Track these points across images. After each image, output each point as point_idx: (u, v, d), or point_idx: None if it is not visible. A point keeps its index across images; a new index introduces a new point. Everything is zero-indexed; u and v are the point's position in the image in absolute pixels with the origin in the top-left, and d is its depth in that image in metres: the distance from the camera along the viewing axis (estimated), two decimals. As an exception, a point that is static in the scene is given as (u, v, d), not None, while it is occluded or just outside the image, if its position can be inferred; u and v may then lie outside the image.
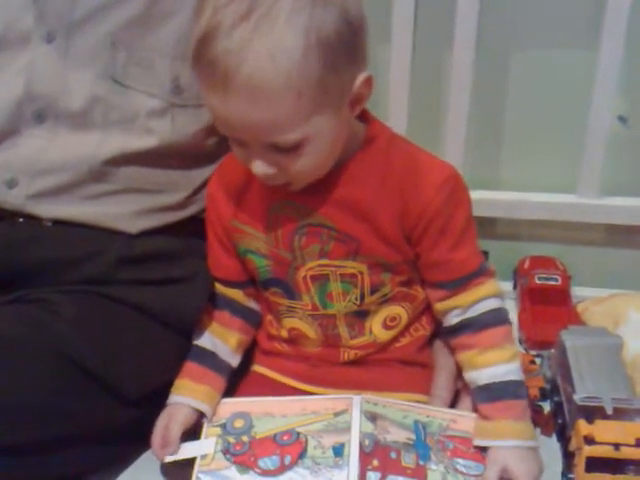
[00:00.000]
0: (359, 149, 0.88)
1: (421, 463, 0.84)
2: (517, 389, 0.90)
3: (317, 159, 0.82)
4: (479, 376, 0.90)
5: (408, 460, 0.84)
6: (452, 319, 0.93)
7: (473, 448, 0.88)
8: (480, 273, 0.91)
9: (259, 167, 0.81)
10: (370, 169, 0.88)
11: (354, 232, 0.88)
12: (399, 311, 0.96)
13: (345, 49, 0.76)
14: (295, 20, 0.73)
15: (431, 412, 0.91)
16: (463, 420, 0.91)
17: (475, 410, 0.92)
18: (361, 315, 0.95)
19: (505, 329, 0.92)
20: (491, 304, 0.91)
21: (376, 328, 0.96)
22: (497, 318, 0.91)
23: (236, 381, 0.99)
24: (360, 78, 0.80)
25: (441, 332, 0.99)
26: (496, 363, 0.90)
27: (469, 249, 0.91)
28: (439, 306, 0.93)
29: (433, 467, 0.85)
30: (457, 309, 0.92)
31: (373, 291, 0.93)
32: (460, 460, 0.86)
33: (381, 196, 0.87)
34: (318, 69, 0.74)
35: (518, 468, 0.84)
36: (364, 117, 0.89)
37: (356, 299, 0.93)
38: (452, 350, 0.96)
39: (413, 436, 0.87)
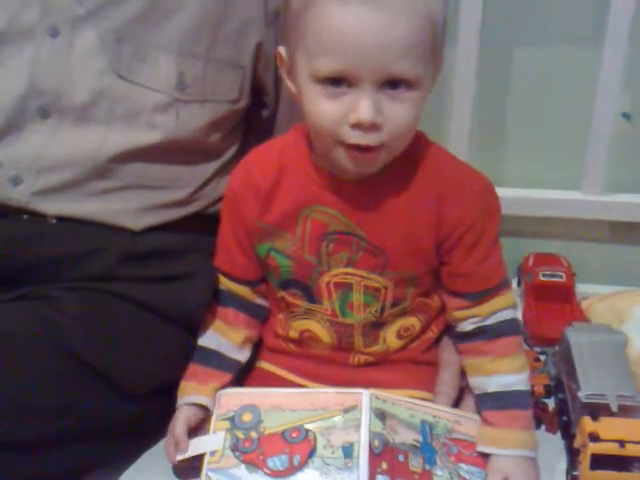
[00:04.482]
0: (398, 156, 0.86)
1: (427, 468, 0.84)
2: (525, 399, 0.90)
3: (414, 113, 0.79)
4: (488, 383, 0.90)
5: (415, 464, 0.84)
6: (468, 325, 0.92)
7: (476, 452, 0.88)
8: (503, 285, 0.91)
9: (368, 110, 0.75)
10: (408, 177, 0.87)
11: (385, 245, 0.88)
12: (414, 322, 0.96)
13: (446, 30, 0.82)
14: None
15: (436, 412, 0.91)
16: (467, 422, 0.91)
17: (478, 411, 0.92)
18: (377, 326, 0.95)
19: (518, 339, 0.92)
20: (507, 314, 0.91)
21: (390, 338, 0.96)
22: (512, 327, 0.92)
23: (241, 377, 0.99)
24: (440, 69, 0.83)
25: (449, 330, 0.99)
26: (507, 372, 0.90)
27: (496, 262, 0.91)
28: (458, 314, 0.93)
29: (439, 473, 0.84)
30: (475, 317, 0.91)
31: (394, 305, 0.92)
32: (464, 465, 0.87)
33: (418, 205, 0.87)
34: (443, 22, 0.79)
35: (519, 478, 0.85)
36: None
37: (376, 311, 0.93)
38: (460, 354, 0.95)
39: (420, 437, 0.87)
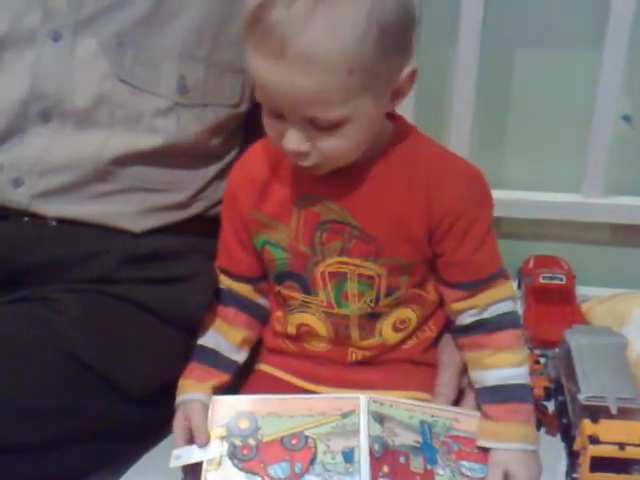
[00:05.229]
0: (387, 145, 0.87)
1: (429, 467, 0.84)
2: (525, 393, 0.90)
3: (351, 143, 0.81)
4: (488, 376, 0.90)
5: (416, 464, 0.84)
6: (466, 319, 0.92)
7: (476, 449, 0.88)
8: (499, 275, 0.91)
9: (293, 141, 0.79)
10: (397, 166, 0.88)
11: (377, 232, 0.88)
12: (409, 314, 0.96)
13: (400, 36, 0.77)
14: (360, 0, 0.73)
15: (435, 411, 0.90)
16: (466, 419, 0.90)
17: (479, 408, 0.92)
18: (373, 317, 0.95)
19: (518, 332, 0.92)
20: (506, 307, 0.91)
21: (386, 331, 0.96)
22: (511, 321, 0.91)
23: (240, 380, 0.99)
24: (407, 70, 0.80)
25: (447, 330, 0.99)
26: (507, 365, 0.89)
27: (490, 251, 0.91)
28: (455, 306, 0.93)
29: (440, 472, 0.84)
30: (473, 309, 0.91)
31: (388, 294, 0.93)
32: (465, 463, 0.86)
33: (408, 193, 0.87)
34: (373, 50, 0.75)
35: (520, 472, 0.84)
36: (391, 115, 0.89)
37: (371, 301, 0.93)
38: (460, 348, 0.95)
39: (420, 438, 0.86)
